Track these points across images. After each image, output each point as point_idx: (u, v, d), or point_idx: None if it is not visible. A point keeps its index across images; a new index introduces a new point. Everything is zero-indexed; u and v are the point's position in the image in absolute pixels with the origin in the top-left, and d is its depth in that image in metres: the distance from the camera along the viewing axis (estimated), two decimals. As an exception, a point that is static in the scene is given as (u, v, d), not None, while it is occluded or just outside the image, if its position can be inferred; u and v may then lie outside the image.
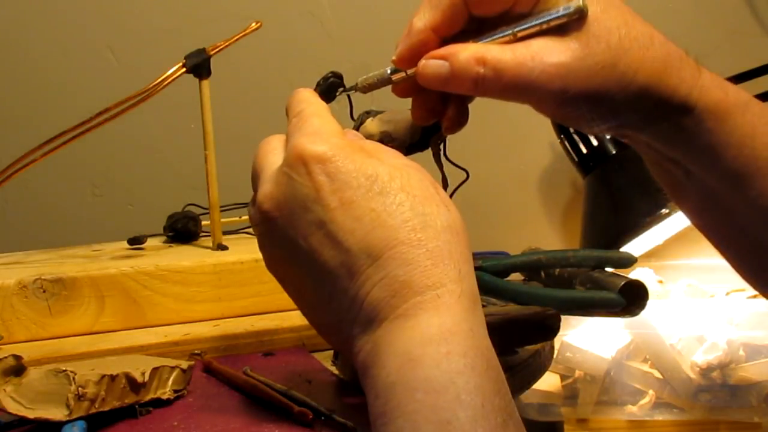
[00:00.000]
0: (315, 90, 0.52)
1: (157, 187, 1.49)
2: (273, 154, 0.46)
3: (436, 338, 0.39)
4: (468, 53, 0.47)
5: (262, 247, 0.47)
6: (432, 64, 0.48)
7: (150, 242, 0.88)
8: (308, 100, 0.49)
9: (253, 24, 0.87)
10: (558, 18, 0.47)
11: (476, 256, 0.93)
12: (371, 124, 0.68)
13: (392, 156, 0.46)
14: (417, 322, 0.40)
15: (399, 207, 0.42)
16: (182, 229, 0.90)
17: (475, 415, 0.37)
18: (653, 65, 0.47)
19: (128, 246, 0.87)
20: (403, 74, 0.51)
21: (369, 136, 0.64)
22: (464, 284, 0.42)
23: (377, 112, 0.69)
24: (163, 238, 0.91)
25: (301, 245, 0.43)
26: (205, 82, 0.83)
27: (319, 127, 0.45)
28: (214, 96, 0.84)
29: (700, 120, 0.49)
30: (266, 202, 0.44)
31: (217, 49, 0.83)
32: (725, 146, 0.49)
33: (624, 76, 0.46)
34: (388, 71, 0.52)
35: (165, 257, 0.79)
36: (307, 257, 0.43)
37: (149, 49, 1.45)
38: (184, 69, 0.81)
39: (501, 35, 0.48)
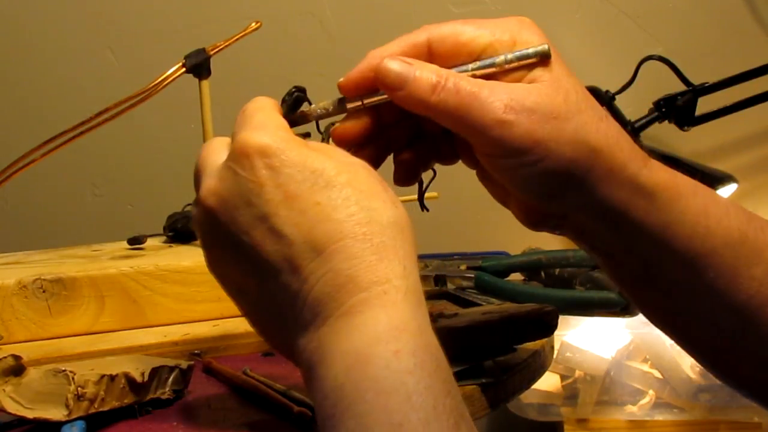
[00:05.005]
0: (282, 105, 0.51)
1: (157, 187, 1.49)
2: (216, 153, 0.45)
3: (384, 336, 0.38)
4: (431, 66, 0.47)
5: (205, 247, 0.45)
6: (396, 61, 0.47)
7: (150, 242, 0.88)
8: (254, 100, 0.48)
9: (253, 24, 0.87)
10: (519, 59, 0.46)
11: (476, 256, 0.93)
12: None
13: (340, 153, 0.45)
14: (363, 319, 0.39)
15: (345, 201, 0.41)
16: (182, 229, 0.90)
17: (427, 417, 0.36)
18: (606, 134, 0.46)
19: (128, 246, 0.87)
20: (358, 102, 0.49)
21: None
22: (409, 280, 0.41)
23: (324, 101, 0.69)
24: (163, 238, 0.91)
25: (244, 241, 0.42)
26: (205, 82, 0.83)
27: (263, 121, 0.44)
28: (214, 96, 0.84)
29: (652, 199, 0.47)
30: (209, 197, 0.43)
31: (217, 49, 0.83)
32: (679, 226, 0.48)
33: (575, 134, 0.46)
34: (339, 99, 0.50)
35: (165, 257, 0.79)
36: (249, 253, 0.42)
37: (149, 49, 1.45)
38: (184, 69, 0.81)
39: (459, 70, 0.47)
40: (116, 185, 1.52)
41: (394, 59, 0.47)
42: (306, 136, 0.50)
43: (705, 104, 1.27)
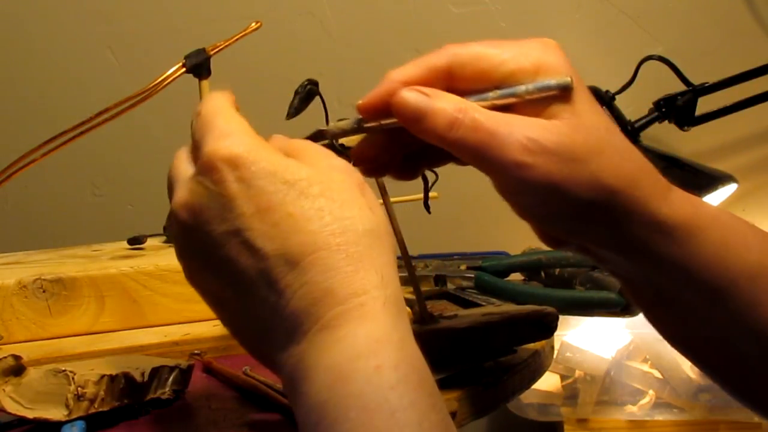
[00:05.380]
0: (294, 97, 0.50)
1: (157, 187, 1.48)
2: (186, 162, 0.44)
3: (364, 351, 0.38)
4: (450, 97, 0.46)
5: (181, 258, 0.44)
6: (413, 93, 0.46)
7: (150, 242, 0.88)
8: (208, 99, 0.45)
9: (253, 24, 0.87)
10: (540, 90, 0.45)
11: (476, 256, 0.93)
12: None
13: (318, 157, 0.43)
14: (343, 333, 0.38)
15: (318, 212, 0.40)
16: (182, 229, 0.89)
17: None
18: (626, 174, 0.46)
19: (128, 246, 0.87)
20: (376, 124, 0.48)
21: (348, 142, 0.64)
22: (388, 290, 0.40)
23: (343, 119, 0.69)
24: (163, 238, 0.91)
25: (219, 255, 0.41)
26: (205, 82, 0.83)
27: (226, 127, 0.42)
28: (214, 96, 0.83)
29: (672, 235, 0.47)
30: (181, 211, 0.42)
31: (217, 49, 0.83)
32: (698, 260, 0.48)
33: (594, 176, 0.45)
34: (358, 120, 0.49)
35: (165, 257, 0.79)
36: (225, 267, 0.41)
37: (149, 49, 1.45)
38: (184, 69, 0.81)
39: (478, 98, 0.46)
40: (116, 185, 1.52)
41: (411, 90, 0.46)
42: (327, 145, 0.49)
43: (705, 104, 1.27)
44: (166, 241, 0.90)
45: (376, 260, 0.40)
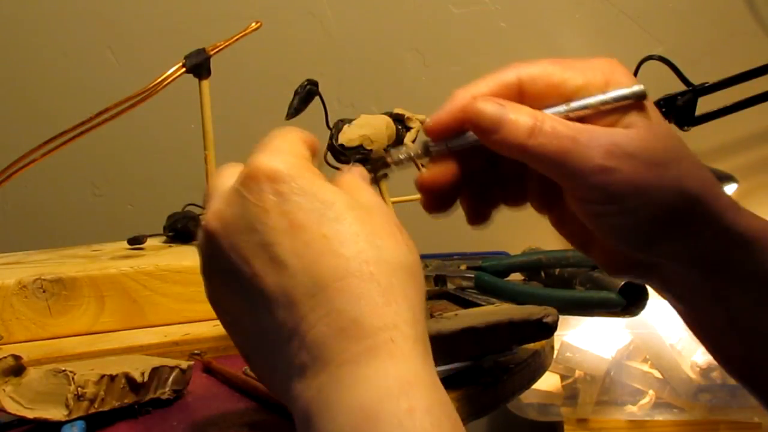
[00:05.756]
0: (294, 98, 0.49)
1: (157, 187, 1.49)
2: (228, 177, 0.42)
3: (394, 391, 0.35)
4: (525, 107, 0.45)
5: (204, 274, 0.43)
6: (490, 103, 0.45)
7: (150, 242, 0.88)
8: (282, 128, 0.45)
9: (253, 24, 0.87)
10: (616, 100, 0.45)
11: (476, 256, 0.93)
12: (350, 130, 0.68)
13: (361, 191, 0.42)
14: (372, 371, 0.36)
15: (354, 237, 0.38)
16: (182, 229, 0.90)
17: None
18: (704, 182, 0.45)
19: (128, 246, 0.87)
20: (443, 146, 0.47)
21: (349, 141, 0.64)
22: (418, 329, 0.38)
23: (350, 120, 0.69)
24: (163, 238, 0.91)
25: (243, 270, 0.39)
26: (205, 82, 0.83)
27: (280, 146, 0.42)
28: (214, 96, 0.84)
29: (748, 248, 0.46)
30: (213, 221, 0.41)
31: (217, 49, 0.83)
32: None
33: (676, 182, 0.44)
34: (423, 144, 0.47)
35: (165, 257, 0.79)
36: (247, 283, 0.39)
37: (149, 49, 1.45)
38: (184, 69, 0.81)
39: (552, 111, 0.45)
40: (116, 185, 1.52)
41: (487, 100, 0.45)
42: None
43: (705, 104, 1.27)
44: (166, 241, 0.90)
45: (409, 295, 0.38)
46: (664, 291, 0.50)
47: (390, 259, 0.39)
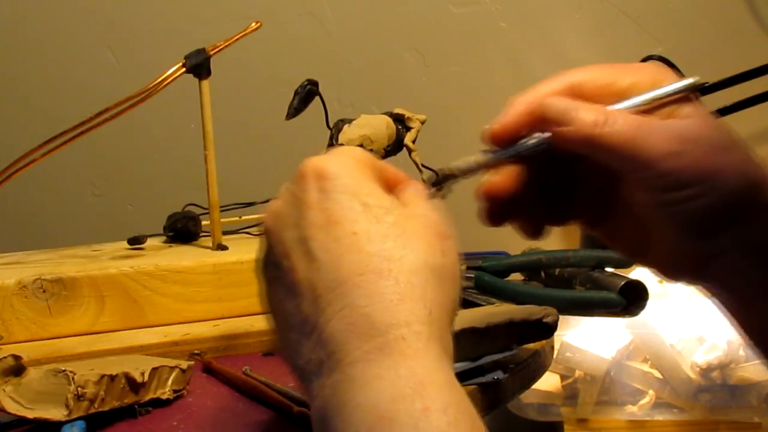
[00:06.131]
0: (294, 98, 0.49)
1: (157, 187, 1.49)
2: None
3: (408, 392, 0.35)
4: (590, 104, 0.46)
5: (259, 270, 0.43)
6: (559, 98, 0.46)
7: (150, 242, 0.88)
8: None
9: (253, 24, 0.87)
10: (672, 93, 0.46)
11: (476, 256, 0.93)
12: (350, 130, 0.68)
13: (415, 199, 0.42)
14: (383, 370, 0.36)
15: (382, 237, 0.39)
16: (182, 229, 0.90)
17: None
18: (758, 166, 0.46)
19: (128, 246, 0.87)
20: (512, 152, 0.47)
21: (349, 141, 0.64)
22: (434, 328, 0.37)
23: (350, 120, 0.69)
24: (163, 238, 0.91)
25: (284, 264, 0.40)
26: (205, 82, 0.83)
27: (341, 149, 0.43)
28: (214, 96, 0.84)
29: None
30: (268, 218, 0.42)
31: (217, 49, 0.83)
32: None
33: (740, 166, 0.45)
34: (488, 152, 0.48)
35: (165, 257, 0.79)
36: (286, 277, 0.40)
37: (149, 49, 1.45)
38: (184, 69, 0.81)
39: (617, 107, 0.46)
40: (116, 185, 1.52)
41: (557, 97, 0.46)
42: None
43: (705, 104, 1.27)
44: (166, 241, 0.90)
45: (428, 295, 0.38)
46: (718, 287, 0.50)
47: (414, 259, 0.39)
